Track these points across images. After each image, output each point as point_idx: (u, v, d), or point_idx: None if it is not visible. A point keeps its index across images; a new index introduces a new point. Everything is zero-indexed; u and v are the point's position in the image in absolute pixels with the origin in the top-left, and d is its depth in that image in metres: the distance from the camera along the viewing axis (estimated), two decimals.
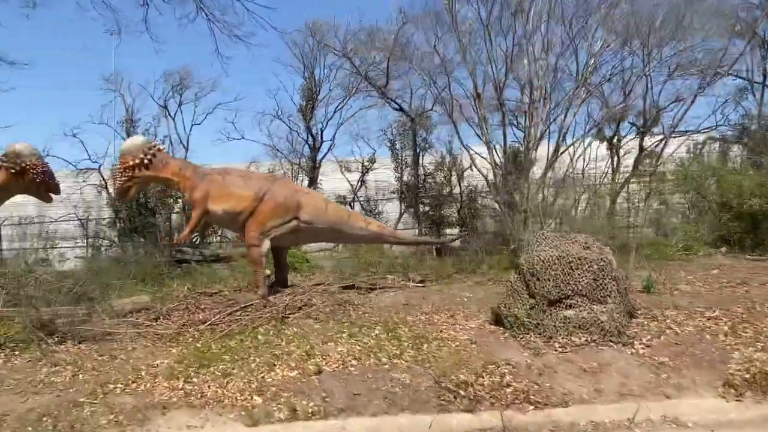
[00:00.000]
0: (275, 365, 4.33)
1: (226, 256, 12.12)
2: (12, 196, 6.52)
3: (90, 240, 14.59)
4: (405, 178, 13.45)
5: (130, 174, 6.35)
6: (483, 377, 3.94)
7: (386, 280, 8.40)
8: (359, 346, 4.71)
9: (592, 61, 9.07)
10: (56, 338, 5.17)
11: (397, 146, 13.60)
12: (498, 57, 8.91)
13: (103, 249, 14.47)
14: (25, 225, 15.60)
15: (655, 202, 11.60)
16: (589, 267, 4.94)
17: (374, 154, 14.26)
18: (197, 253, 12.05)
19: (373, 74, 13.09)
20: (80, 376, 4.22)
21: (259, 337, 5.28)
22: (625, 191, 12.88)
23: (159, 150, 6.50)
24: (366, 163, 14.26)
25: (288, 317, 5.86)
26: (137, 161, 6.33)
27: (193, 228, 6.55)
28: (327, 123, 14.57)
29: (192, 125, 15.50)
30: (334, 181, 14.44)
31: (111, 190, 14.79)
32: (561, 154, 9.18)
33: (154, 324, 5.80)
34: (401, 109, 13.17)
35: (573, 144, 9.34)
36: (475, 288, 7.43)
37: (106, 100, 18.58)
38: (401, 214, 13.74)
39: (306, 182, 13.75)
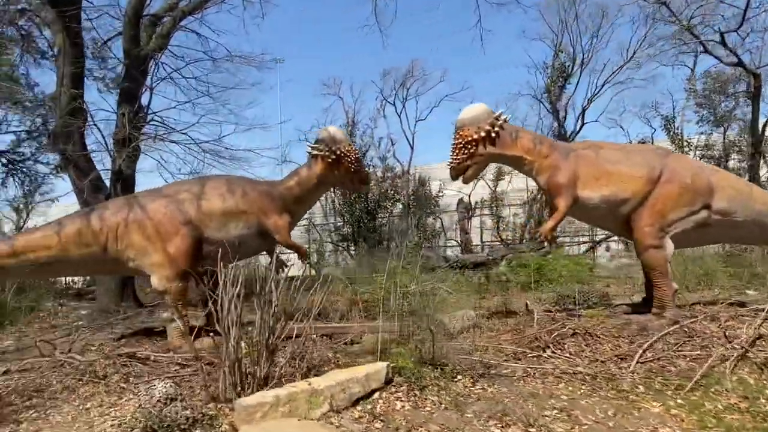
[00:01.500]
0: None
1: (476, 261, 10.63)
2: (327, 190, 5.58)
3: (315, 245, 14.43)
4: None
5: (471, 150, 4.89)
6: None
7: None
8: None
9: None
10: (438, 371, 3.83)
11: (677, 123, 10.71)
12: None
13: (326, 254, 14.21)
14: None
15: None
16: None
17: (652, 134, 11.35)
18: (441, 259, 10.77)
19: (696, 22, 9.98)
20: None
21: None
22: None
23: (505, 121, 4.97)
24: None
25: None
26: (482, 134, 4.85)
27: (559, 221, 4.86)
28: (591, 99, 11.88)
29: (416, 121, 14.44)
30: None
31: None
32: None
33: (543, 355, 4.19)
34: (740, 63, 10.07)
35: None
36: None
37: (328, 104, 18.60)
38: None
39: None
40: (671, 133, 10.77)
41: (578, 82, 11.22)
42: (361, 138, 14.39)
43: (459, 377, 3.76)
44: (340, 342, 4.81)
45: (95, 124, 7.92)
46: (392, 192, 13.82)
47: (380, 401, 3.34)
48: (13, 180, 14.96)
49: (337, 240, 14.04)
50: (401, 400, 3.35)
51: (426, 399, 3.39)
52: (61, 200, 13.56)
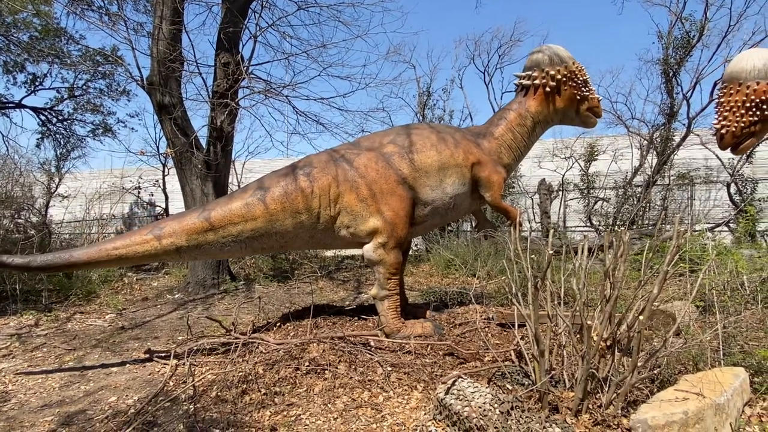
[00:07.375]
0: None
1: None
2: (546, 130, 4.58)
3: None
4: None
5: (755, 115, 3.89)
6: None
7: None
8: None
9: None
10: None
11: None
12: None
13: None
14: None
15: None
16: None
17: None
18: (544, 243, 9.88)
19: None
20: None
21: None
22: None
23: None
24: None
25: None
26: None
27: None
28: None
29: (503, 93, 13.30)
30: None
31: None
32: None
33: None
34: None
35: None
36: None
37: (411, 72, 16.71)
38: None
39: (654, 161, 10.77)
40: None
41: (686, 54, 9.23)
42: (431, 111, 13.40)
43: None
44: None
45: (199, 72, 6.86)
46: None
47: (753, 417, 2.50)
48: (50, 141, 13.92)
49: None
50: None
51: None
52: (94, 165, 12.43)
